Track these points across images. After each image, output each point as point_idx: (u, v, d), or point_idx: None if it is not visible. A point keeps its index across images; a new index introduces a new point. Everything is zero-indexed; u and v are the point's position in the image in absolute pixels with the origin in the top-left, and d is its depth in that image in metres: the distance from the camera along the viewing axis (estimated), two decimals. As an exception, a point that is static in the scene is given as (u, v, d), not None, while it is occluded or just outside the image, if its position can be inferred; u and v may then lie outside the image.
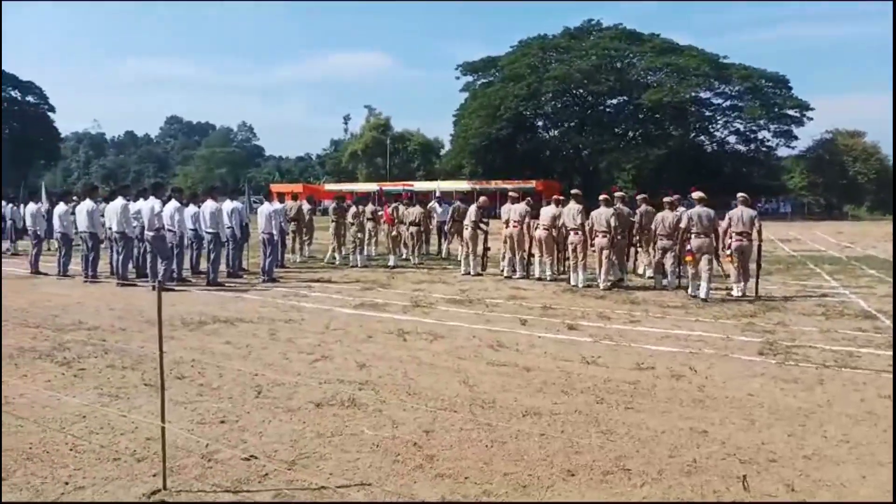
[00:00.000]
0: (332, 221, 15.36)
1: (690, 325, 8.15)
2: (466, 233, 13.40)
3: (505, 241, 12.97)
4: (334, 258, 15.29)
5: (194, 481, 3.57)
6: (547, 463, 3.89)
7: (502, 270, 12.99)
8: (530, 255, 12.90)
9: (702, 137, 60.98)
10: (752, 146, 59.04)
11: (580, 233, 11.32)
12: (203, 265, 12.43)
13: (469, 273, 13.12)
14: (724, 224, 10.58)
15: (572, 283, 11.52)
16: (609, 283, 11.20)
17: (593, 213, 11.42)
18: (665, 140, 57.92)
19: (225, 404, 4.91)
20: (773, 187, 59.85)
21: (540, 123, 64.19)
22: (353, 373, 5.82)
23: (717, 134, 60.63)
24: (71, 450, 4.02)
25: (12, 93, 63.44)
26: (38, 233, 13.79)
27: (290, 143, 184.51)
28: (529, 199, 13.42)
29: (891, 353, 6.62)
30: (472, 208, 13.55)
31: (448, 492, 3.48)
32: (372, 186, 50.25)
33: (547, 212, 12.31)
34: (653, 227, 11.46)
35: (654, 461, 3.94)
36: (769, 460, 3.99)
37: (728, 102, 58.21)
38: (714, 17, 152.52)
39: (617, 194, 12.59)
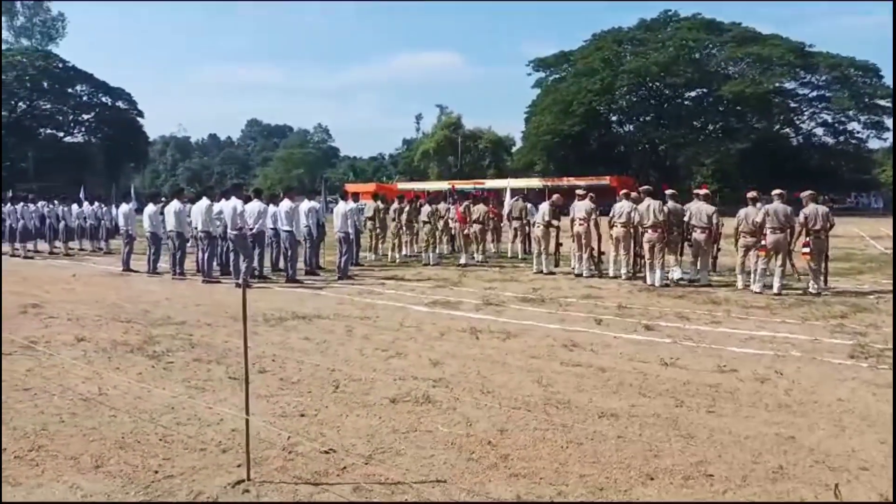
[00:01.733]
0: (393, 220, 15.62)
1: (776, 327, 7.80)
2: (538, 231, 13.29)
3: (573, 239, 12.81)
4: (395, 257, 15.55)
5: (276, 472, 3.69)
6: (624, 466, 3.81)
7: (573, 269, 12.81)
8: (600, 252, 12.69)
9: (786, 130, 58.37)
10: (841, 138, 56.12)
11: (658, 230, 11.05)
12: (282, 263, 12.83)
13: (542, 271, 13.01)
14: (800, 221, 10.39)
15: (649, 281, 11.25)
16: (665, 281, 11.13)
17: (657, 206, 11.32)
18: (747, 133, 55.70)
19: (304, 398, 5.05)
20: (864, 181, 56.68)
21: (614, 118, 63.07)
22: (427, 370, 5.88)
23: (803, 126, 57.94)
24: (160, 440, 4.22)
25: (103, 99, 66.93)
26: (130, 232, 14.55)
27: (363, 144, 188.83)
28: (591, 194, 13.16)
29: None
30: (546, 206, 13.42)
31: (523, 491, 3.46)
32: (443, 185, 50.58)
33: (619, 208, 12.06)
34: (735, 224, 11.07)
35: (738, 467, 3.80)
36: (861, 468, 3.78)
37: (814, 93, 55.58)
38: (798, 4, 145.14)
39: (702, 192, 12.22)
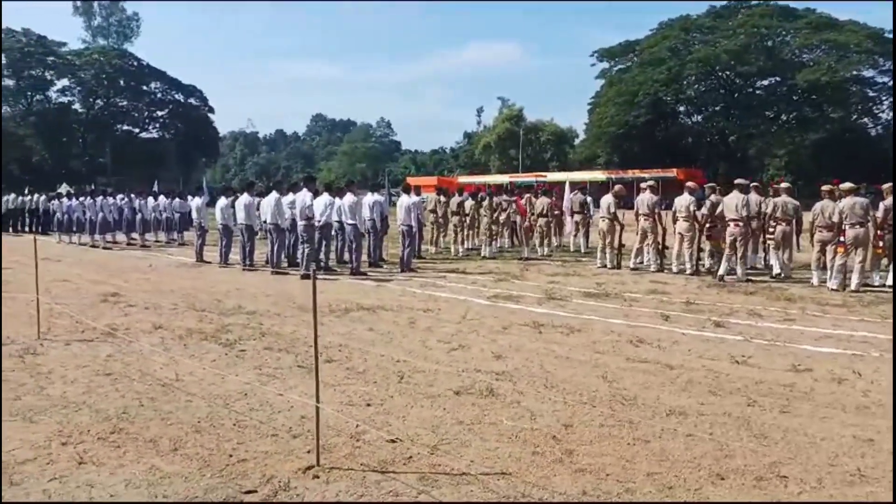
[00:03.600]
0: (455, 214, 15.64)
1: (853, 325, 7.46)
2: (603, 224, 13.09)
3: (637, 233, 12.56)
4: (457, 250, 15.58)
5: (344, 459, 3.78)
6: (694, 465, 3.73)
7: (640, 263, 12.57)
8: (664, 247, 12.41)
9: (865, 119, 55.38)
10: (924, 128, 52.75)
11: (741, 224, 10.74)
12: (347, 255, 13.06)
13: (605, 266, 12.81)
14: (878, 214, 10.08)
15: (721, 272, 10.94)
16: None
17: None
18: (822, 123, 53.10)
19: (370, 388, 5.14)
20: (948, 173, 53.13)
21: (681, 109, 61.32)
22: (490, 363, 5.89)
23: (883, 116, 54.74)
24: (234, 425, 4.38)
25: (177, 96, 69.54)
26: (203, 225, 15.08)
27: (425, 137, 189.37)
28: (652, 183, 12.82)
29: None
30: (609, 198, 13.20)
31: (590, 487, 3.44)
32: (504, 178, 50.37)
33: (683, 201, 11.76)
34: (811, 218, 10.65)
35: (813, 469, 3.67)
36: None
37: (895, 81, 52.43)
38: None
39: (783, 185, 11.82)
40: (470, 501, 3.28)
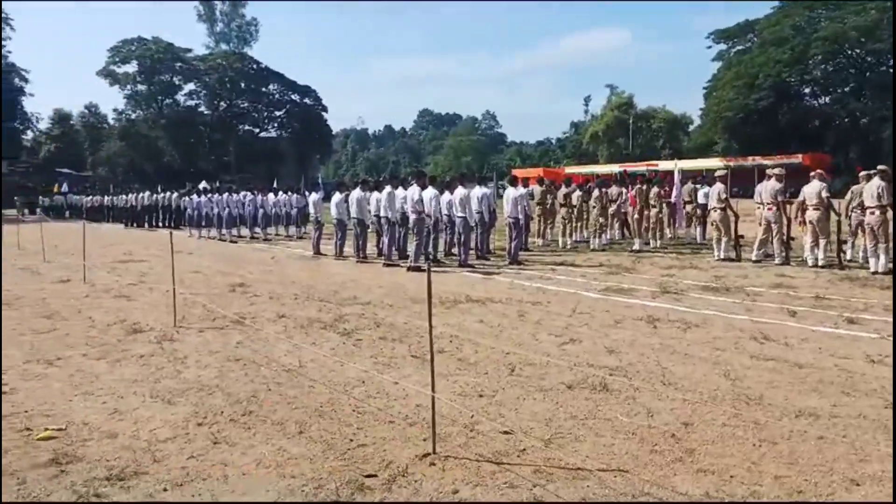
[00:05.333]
0: (562, 205, 15.40)
1: None
2: (716, 214, 12.50)
3: (759, 223, 11.86)
4: (565, 242, 15.34)
5: (459, 449, 3.85)
6: (825, 469, 3.51)
7: (763, 254, 11.89)
8: (789, 238, 11.65)
9: None
10: None
11: (878, 212, 9.98)
12: (455, 248, 13.22)
13: (723, 258, 12.22)
14: None
15: (871, 269, 10.19)
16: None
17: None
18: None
19: (481, 379, 5.20)
20: None
21: (807, 90, 57.17)
22: (603, 358, 5.79)
23: None
24: (353, 410, 4.56)
25: (293, 96, 72.87)
26: (319, 219, 15.73)
27: (530, 129, 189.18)
28: (780, 171, 12.01)
29: None
30: (719, 187, 12.58)
31: (712, 489, 3.31)
32: (613, 168, 49.06)
33: (812, 188, 10.99)
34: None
35: (967, 481, 3.35)
36: None
37: None
38: None
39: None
40: (587, 501, 3.26)
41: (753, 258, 11.86)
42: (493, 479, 3.46)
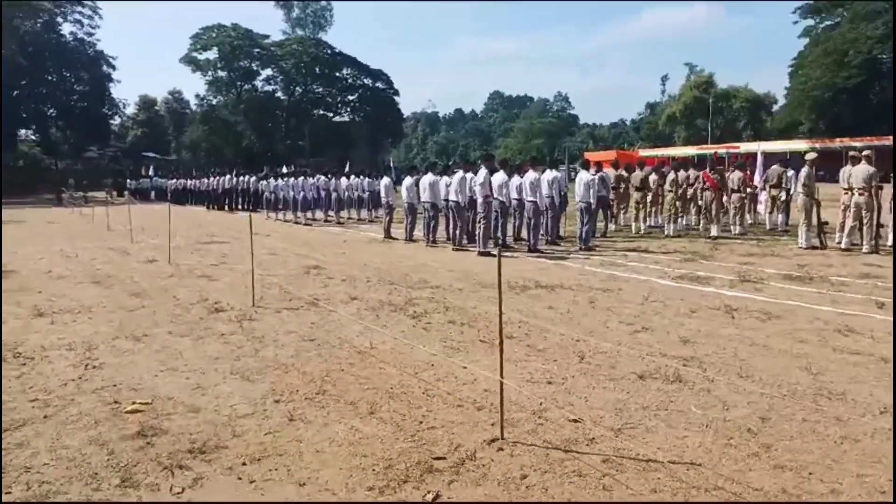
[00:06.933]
0: (637, 189, 15.02)
1: None
2: (800, 200, 11.92)
3: (849, 210, 11.23)
4: (638, 227, 14.98)
5: (527, 435, 3.86)
6: (915, 471, 3.34)
7: (852, 242, 11.29)
8: (879, 225, 10.99)
9: None
10: None
11: None
12: (524, 233, 13.14)
13: (807, 246, 11.67)
14: None
15: None
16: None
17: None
18: None
19: (550, 366, 5.18)
20: None
21: (900, 68, 53.59)
22: (677, 347, 5.65)
23: None
24: (423, 393, 4.63)
25: (366, 81, 73.71)
26: (390, 203, 15.93)
27: (603, 110, 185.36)
28: (869, 153, 11.29)
29: None
30: (807, 170, 11.97)
31: (790, 485, 3.21)
32: (690, 150, 47.43)
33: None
34: None
35: None
36: None
37: None
38: None
39: None
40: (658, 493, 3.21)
41: (842, 245, 11.28)
42: (562, 466, 3.45)
